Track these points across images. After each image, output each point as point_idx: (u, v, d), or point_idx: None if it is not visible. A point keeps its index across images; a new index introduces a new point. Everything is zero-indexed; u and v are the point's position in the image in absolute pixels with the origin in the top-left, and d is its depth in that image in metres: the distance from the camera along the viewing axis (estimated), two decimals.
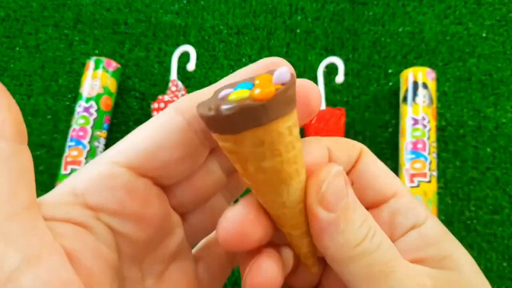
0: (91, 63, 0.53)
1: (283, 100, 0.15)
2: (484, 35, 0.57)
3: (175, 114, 0.17)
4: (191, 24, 0.58)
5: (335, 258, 0.17)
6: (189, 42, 0.57)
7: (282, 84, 0.15)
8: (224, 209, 0.17)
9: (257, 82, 0.16)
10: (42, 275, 0.13)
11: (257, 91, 0.15)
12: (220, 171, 0.20)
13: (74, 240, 0.15)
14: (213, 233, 0.22)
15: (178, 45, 0.56)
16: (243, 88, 0.15)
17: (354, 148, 0.19)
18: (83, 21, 0.59)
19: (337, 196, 0.16)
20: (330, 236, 0.16)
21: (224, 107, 0.14)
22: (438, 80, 0.54)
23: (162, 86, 0.56)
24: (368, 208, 0.18)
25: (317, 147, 0.18)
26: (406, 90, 0.51)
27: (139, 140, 0.17)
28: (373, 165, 0.19)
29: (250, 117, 0.14)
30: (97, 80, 0.52)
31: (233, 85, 0.16)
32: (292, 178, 0.16)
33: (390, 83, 0.55)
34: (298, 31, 0.58)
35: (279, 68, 0.15)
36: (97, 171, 0.17)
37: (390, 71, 0.56)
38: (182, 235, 0.20)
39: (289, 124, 0.15)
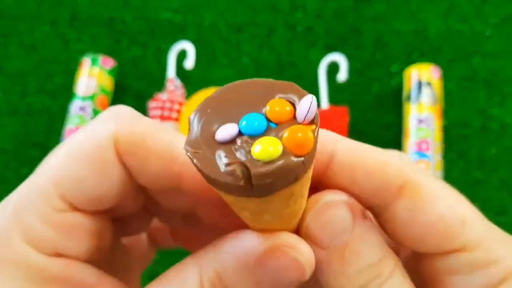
0: (87, 61, 0.52)
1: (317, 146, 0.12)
2: (488, 33, 0.56)
3: (110, 149, 0.15)
4: (190, 22, 0.57)
5: None
6: (187, 40, 0.56)
7: (311, 122, 0.12)
8: None
9: (268, 108, 0.12)
10: None
11: (292, 141, 0.11)
12: None
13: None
14: None
15: (176, 42, 0.55)
16: (261, 130, 0.12)
17: (389, 183, 0.14)
18: (80, 18, 0.58)
19: (327, 231, 0.13)
20: (322, 274, 0.14)
21: (257, 171, 0.11)
22: (442, 79, 0.54)
23: (160, 84, 0.55)
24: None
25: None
26: (410, 89, 0.51)
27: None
28: (423, 210, 0.14)
29: (287, 177, 0.11)
30: (93, 78, 0.51)
31: (234, 118, 0.12)
32: (302, 208, 0.14)
33: (393, 82, 0.54)
34: (299, 28, 0.57)
35: (306, 98, 0.12)
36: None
37: (393, 69, 0.55)
38: None
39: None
